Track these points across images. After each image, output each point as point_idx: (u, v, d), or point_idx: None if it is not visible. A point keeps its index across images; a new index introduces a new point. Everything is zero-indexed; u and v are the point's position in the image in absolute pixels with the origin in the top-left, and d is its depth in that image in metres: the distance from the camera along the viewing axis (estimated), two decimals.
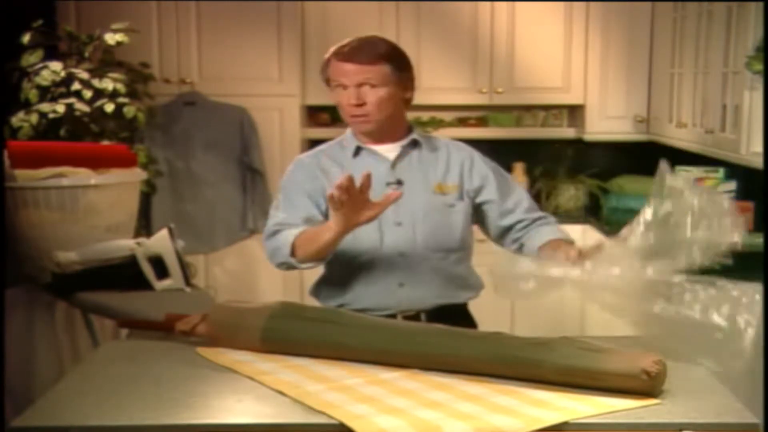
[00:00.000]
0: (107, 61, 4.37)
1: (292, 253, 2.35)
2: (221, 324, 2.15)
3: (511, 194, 2.52)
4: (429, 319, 2.38)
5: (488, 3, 4.84)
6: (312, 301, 2.51)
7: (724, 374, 1.89)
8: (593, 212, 4.89)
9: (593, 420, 1.67)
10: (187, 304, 2.77)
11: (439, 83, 4.82)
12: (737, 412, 1.72)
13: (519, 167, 5.10)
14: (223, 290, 4.67)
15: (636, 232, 2.02)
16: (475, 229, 2.56)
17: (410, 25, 4.81)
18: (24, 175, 3.32)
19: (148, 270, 3.14)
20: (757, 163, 3.35)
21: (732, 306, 1.89)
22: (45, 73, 4.06)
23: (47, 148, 3.54)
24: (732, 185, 4.28)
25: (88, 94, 4.09)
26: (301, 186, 2.46)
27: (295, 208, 2.43)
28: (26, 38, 4.09)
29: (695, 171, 4.37)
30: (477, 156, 2.54)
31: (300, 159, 2.55)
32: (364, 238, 2.35)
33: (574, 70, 4.90)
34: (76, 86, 4.09)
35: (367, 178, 2.12)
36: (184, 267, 3.19)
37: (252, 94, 4.74)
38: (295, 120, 4.82)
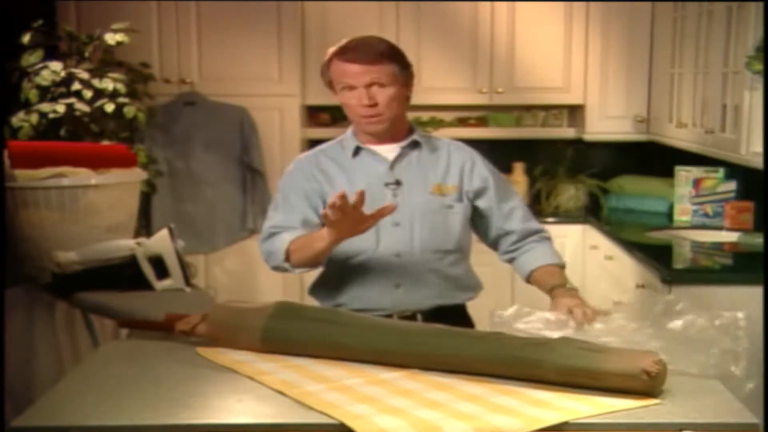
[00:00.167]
0: (107, 61, 4.38)
1: (287, 259, 2.38)
2: (221, 324, 2.15)
3: (508, 200, 2.53)
4: (426, 320, 2.38)
5: (488, 3, 4.84)
6: (311, 301, 2.51)
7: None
8: (593, 212, 4.89)
9: (593, 420, 1.67)
10: (187, 304, 2.78)
11: (439, 83, 4.82)
12: (737, 412, 1.71)
13: (519, 167, 5.10)
14: (223, 290, 4.67)
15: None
16: None
17: (410, 25, 4.81)
18: (24, 175, 3.32)
19: (148, 270, 3.14)
20: (757, 163, 3.35)
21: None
22: (45, 73, 4.06)
23: (47, 148, 3.54)
24: (732, 185, 4.29)
25: (88, 94, 4.10)
26: (300, 187, 2.46)
27: (293, 210, 2.44)
28: (26, 38, 4.09)
29: (695, 171, 4.38)
30: (478, 158, 2.54)
31: (299, 159, 2.55)
32: (361, 238, 2.34)
33: (574, 70, 4.90)
34: (76, 86, 4.09)
35: (361, 196, 2.12)
36: (184, 267, 3.19)
37: (252, 94, 4.74)
38: (295, 120, 4.82)
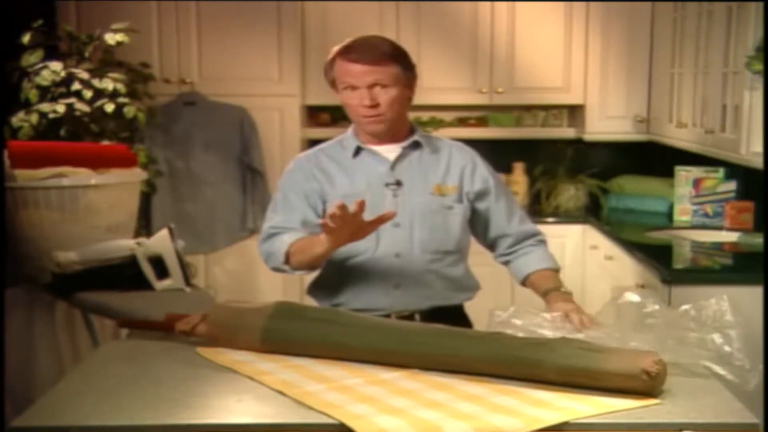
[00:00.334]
0: (107, 61, 4.38)
1: (286, 261, 2.38)
2: (221, 324, 2.15)
3: (506, 202, 2.53)
4: (424, 320, 2.38)
5: (488, 3, 4.84)
6: (311, 301, 2.52)
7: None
8: (593, 212, 4.89)
9: (593, 420, 1.67)
10: (187, 304, 2.77)
11: (439, 83, 4.82)
12: (737, 412, 1.71)
13: (519, 167, 5.10)
14: (223, 290, 4.68)
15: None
16: None
17: (410, 25, 4.81)
18: (24, 175, 3.32)
19: (148, 270, 3.14)
20: (757, 163, 3.35)
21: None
22: (45, 73, 4.06)
23: (47, 148, 3.54)
24: (732, 185, 4.29)
25: (88, 94, 4.10)
26: (300, 186, 2.46)
27: (292, 211, 2.44)
28: (26, 38, 4.09)
29: (695, 171, 4.38)
30: (479, 159, 2.54)
31: (299, 158, 2.55)
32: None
33: (574, 70, 4.90)
34: (76, 86, 4.09)
35: (361, 206, 2.12)
36: (184, 267, 3.19)
37: (252, 94, 4.74)
38: (295, 120, 4.82)
